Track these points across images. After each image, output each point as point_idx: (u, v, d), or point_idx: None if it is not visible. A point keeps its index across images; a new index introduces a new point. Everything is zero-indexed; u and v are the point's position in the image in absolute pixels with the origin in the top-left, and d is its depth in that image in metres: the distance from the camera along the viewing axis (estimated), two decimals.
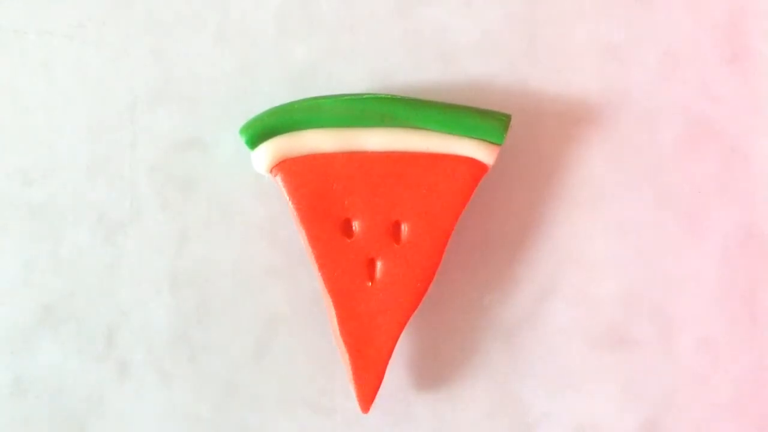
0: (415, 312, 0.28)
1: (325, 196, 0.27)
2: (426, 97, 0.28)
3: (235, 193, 0.29)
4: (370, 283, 0.27)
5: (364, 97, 0.28)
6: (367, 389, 0.28)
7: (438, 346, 0.29)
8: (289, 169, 0.27)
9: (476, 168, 0.28)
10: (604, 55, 0.30)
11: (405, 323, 0.28)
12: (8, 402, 0.29)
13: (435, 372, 0.30)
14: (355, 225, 0.27)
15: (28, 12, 0.29)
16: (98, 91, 0.29)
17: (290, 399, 0.29)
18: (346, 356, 0.28)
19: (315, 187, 0.27)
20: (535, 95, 0.30)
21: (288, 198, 0.27)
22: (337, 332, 0.28)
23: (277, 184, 0.28)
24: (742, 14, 0.30)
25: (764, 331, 0.30)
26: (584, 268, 0.30)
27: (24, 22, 0.29)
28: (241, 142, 0.28)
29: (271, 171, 0.27)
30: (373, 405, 0.28)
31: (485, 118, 0.28)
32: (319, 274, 0.27)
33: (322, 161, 0.27)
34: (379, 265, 0.27)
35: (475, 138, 0.28)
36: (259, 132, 0.27)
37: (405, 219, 0.27)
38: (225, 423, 0.29)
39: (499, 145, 0.28)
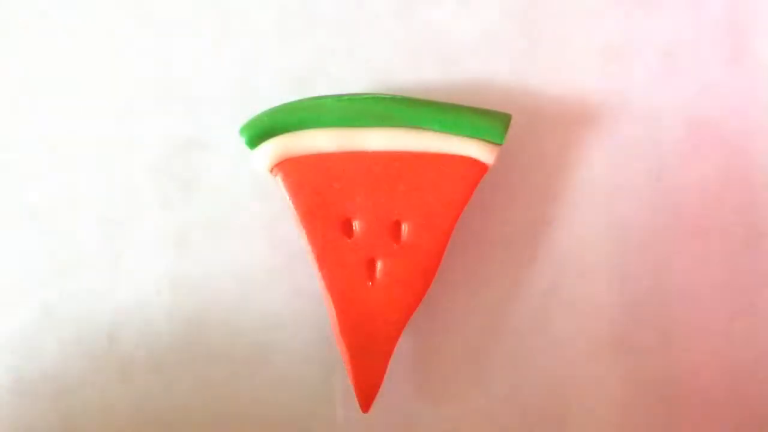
0: (415, 312, 0.28)
1: (325, 196, 0.27)
2: (426, 97, 0.28)
3: (235, 193, 0.29)
4: (370, 283, 0.27)
5: (364, 97, 0.28)
6: (367, 389, 0.28)
7: (438, 346, 0.29)
8: (290, 168, 0.27)
9: (476, 168, 0.28)
10: (604, 55, 0.30)
11: (405, 323, 0.28)
12: (8, 402, 0.29)
13: (435, 372, 0.30)
14: (355, 225, 0.27)
15: (29, 12, 0.29)
16: (98, 91, 0.29)
17: (291, 399, 0.29)
18: (346, 356, 0.28)
19: (315, 187, 0.27)
20: (535, 95, 0.30)
21: (288, 198, 0.27)
22: (337, 332, 0.28)
23: (278, 183, 0.28)
24: (742, 14, 0.30)
25: (765, 329, 0.30)
26: (584, 267, 0.30)
27: (24, 22, 0.29)
28: (241, 142, 0.28)
29: (271, 171, 0.27)
30: (373, 405, 0.28)
31: (485, 118, 0.28)
32: (319, 274, 0.27)
33: (322, 161, 0.27)
34: (379, 265, 0.27)
35: (475, 138, 0.28)
36: (259, 132, 0.27)
37: (405, 219, 0.27)
38: (224, 425, 0.29)
39: (499, 145, 0.28)
